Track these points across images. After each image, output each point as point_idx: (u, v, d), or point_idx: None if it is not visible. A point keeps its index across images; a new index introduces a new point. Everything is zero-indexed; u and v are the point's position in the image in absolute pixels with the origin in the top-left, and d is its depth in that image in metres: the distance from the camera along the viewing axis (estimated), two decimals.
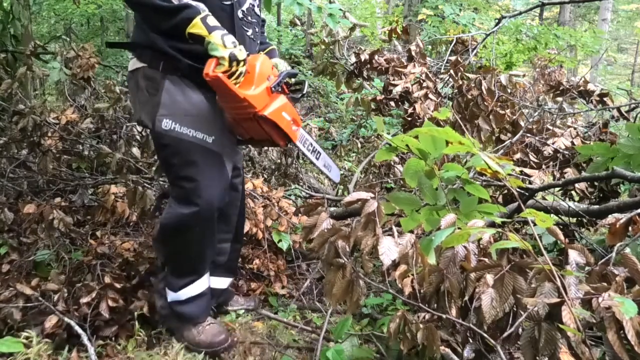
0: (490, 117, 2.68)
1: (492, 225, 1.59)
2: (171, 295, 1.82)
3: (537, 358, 1.10)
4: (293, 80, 1.89)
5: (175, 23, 1.52)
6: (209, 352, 1.77)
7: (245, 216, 2.16)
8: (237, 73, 1.54)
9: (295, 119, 1.79)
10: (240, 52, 1.53)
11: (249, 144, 1.95)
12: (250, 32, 1.78)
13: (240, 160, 2.03)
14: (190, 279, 1.82)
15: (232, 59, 1.51)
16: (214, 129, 1.70)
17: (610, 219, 1.41)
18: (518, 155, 2.63)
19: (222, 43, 1.50)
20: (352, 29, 3.31)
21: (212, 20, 1.53)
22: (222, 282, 2.02)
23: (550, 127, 2.77)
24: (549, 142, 2.61)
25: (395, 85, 2.93)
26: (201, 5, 1.54)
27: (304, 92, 1.93)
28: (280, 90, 1.72)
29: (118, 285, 1.91)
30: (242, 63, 1.55)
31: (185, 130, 1.65)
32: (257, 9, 1.82)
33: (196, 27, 1.50)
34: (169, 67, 1.65)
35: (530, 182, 2.28)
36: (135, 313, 1.86)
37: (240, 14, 1.71)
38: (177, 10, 1.50)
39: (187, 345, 1.81)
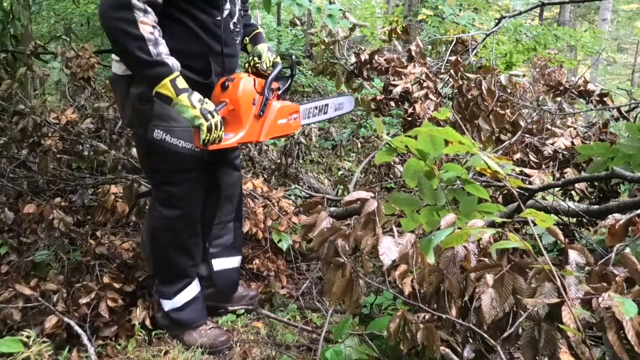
0: (490, 117, 2.68)
1: (492, 225, 1.59)
2: (168, 304, 1.87)
3: (537, 358, 1.10)
4: (281, 67, 1.90)
5: (144, 75, 1.54)
6: (212, 352, 1.82)
7: (242, 195, 2.20)
8: (215, 125, 1.58)
9: (291, 112, 1.85)
10: (208, 105, 1.58)
11: None
12: (239, 39, 1.85)
13: None
14: (183, 284, 1.88)
15: (205, 114, 1.55)
16: None
17: (610, 220, 1.41)
18: (518, 155, 2.62)
19: (190, 104, 1.53)
20: (352, 29, 3.31)
21: (181, 82, 1.55)
22: (233, 262, 2.06)
23: (550, 127, 2.76)
24: (549, 142, 2.61)
25: (395, 86, 2.92)
26: (175, 65, 1.55)
27: (294, 73, 1.96)
28: (270, 97, 1.77)
29: (117, 285, 1.92)
30: (214, 114, 1.59)
31: (176, 141, 1.70)
32: (242, 11, 1.89)
33: (165, 87, 1.52)
34: None
35: (530, 182, 2.27)
36: (137, 322, 1.87)
37: (231, 26, 1.78)
38: (151, 65, 1.50)
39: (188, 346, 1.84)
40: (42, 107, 2.59)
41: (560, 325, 1.02)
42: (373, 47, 4.96)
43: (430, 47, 5.40)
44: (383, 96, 3.06)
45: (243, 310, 2.09)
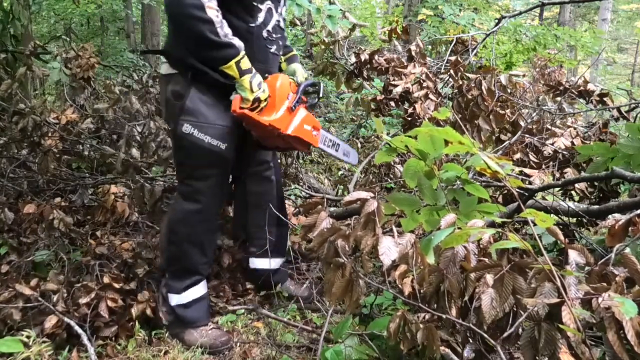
0: (490, 117, 2.68)
1: (492, 225, 1.59)
2: (175, 299, 1.90)
3: (537, 358, 1.10)
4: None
5: (213, 57, 1.70)
6: (211, 353, 1.83)
7: (284, 200, 2.33)
8: (259, 108, 1.79)
9: (315, 126, 1.99)
10: (264, 93, 1.77)
11: (273, 150, 2.20)
12: (274, 48, 1.95)
13: (267, 154, 2.19)
14: (192, 280, 1.91)
15: (255, 100, 1.75)
16: (228, 137, 1.85)
17: (610, 220, 1.41)
18: (518, 155, 2.62)
19: (250, 87, 1.73)
20: (352, 29, 3.30)
21: (245, 63, 1.72)
22: (271, 263, 2.18)
23: (550, 127, 2.76)
24: (549, 142, 2.61)
25: (395, 86, 2.92)
26: (240, 45, 1.71)
27: (321, 95, 2.11)
28: (300, 103, 1.92)
29: (117, 286, 1.91)
30: (263, 102, 1.78)
31: (202, 136, 1.80)
32: (282, 24, 1.99)
33: (230, 68, 1.70)
34: (197, 77, 1.80)
35: (530, 182, 2.27)
36: (134, 314, 1.87)
37: (265, 34, 1.89)
38: (220, 46, 1.66)
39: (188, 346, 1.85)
40: (42, 107, 2.59)
41: (560, 325, 1.02)
42: (373, 47, 4.95)
43: (430, 47, 5.40)
44: (383, 96, 3.05)
45: (243, 310, 2.09)
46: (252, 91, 1.73)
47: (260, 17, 1.84)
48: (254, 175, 2.15)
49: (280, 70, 2.15)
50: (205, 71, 1.77)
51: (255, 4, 1.81)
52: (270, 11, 1.88)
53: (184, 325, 1.89)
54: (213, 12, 1.63)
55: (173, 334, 1.90)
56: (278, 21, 1.94)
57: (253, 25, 1.82)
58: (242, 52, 1.71)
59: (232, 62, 1.68)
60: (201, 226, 1.90)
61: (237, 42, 1.70)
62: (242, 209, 2.20)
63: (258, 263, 2.18)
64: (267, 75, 1.86)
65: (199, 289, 1.94)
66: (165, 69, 1.88)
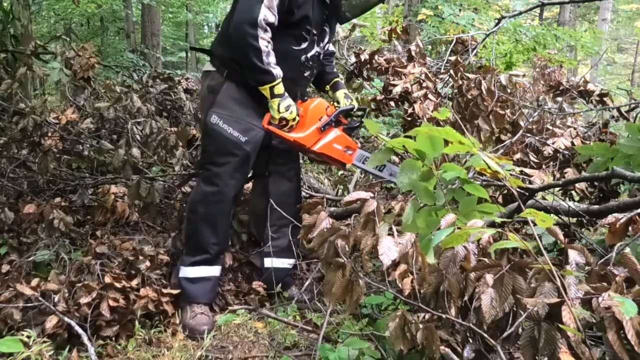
0: (490, 117, 2.67)
1: (492, 225, 1.59)
2: (183, 271, 2.09)
3: (537, 358, 1.10)
4: (355, 109, 2.28)
5: (252, 77, 2.00)
6: (189, 335, 1.94)
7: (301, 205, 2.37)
8: (288, 126, 2.05)
9: (349, 146, 2.17)
10: (291, 115, 2.03)
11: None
12: (307, 74, 2.22)
13: (293, 157, 2.36)
14: (201, 258, 2.08)
15: (282, 119, 2.02)
16: (250, 132, 2.08)
17: (610, 218, 1.41)
18: (518, 155, 2.62)
19: (277, 109, 2.00)
20: (352, 29, 3.31)
21: (279, 89, 1.99)
22: (284, 263, 2.31)
23: (550, 127, 2.76)
24: (549, 142, 2.61)
25: (395, 86, 2.92)
26: (278, 74, 1.97)
27: (363, 120, 2.28)
28: (333, 125, 2.13)
29: (118, 285, 1.91)
30: (291, 121, 2.03)
31: (226, 127, 2.06)
32: (321, 56, 2.26)
33: (265, 90, 1.99)
34: (231, 75, 2.08)
35: (530, 182, 2.27)
36: (138, 312, 1.87)
37: (303, 59, 2.15)
38: (260, 72, 1.95)
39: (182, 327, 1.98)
40: (42, 107, 2.59)
41: (560, 325, 1.02)
42: (373, 47, 4.96)
43: (430, 47, 5.40)
44: (383, 96, 3.06)
45: (243, 310, 2.09)
46: (279, 112, 1.99)
47: (304, 45, 2.12)
48: (276, 174, 2.30)
49: (325, 92, 2.41)
50: (238, 71, 2.03)
51: (304, 34, 2.09)
52: (313, 43, 2.16)
53: (186, 299, 2.03)
54: (264, 42, 1.93)
55: (181, 307, 2.05)
56: (318, 52, 2.21)
57: (296, 48, 2.10)
58: (278, 80, 1.97)
59: (267, 86, 1.97)
60: (215, 207, 2.08)
61: (276, 71, 1.96)
62: (262, 208, 2.31)
63: (274, 262, 2.26)
64: (306, 98, 2.13)
65: (208, 269, 2.08)
66: (207, 66, 2.18)
